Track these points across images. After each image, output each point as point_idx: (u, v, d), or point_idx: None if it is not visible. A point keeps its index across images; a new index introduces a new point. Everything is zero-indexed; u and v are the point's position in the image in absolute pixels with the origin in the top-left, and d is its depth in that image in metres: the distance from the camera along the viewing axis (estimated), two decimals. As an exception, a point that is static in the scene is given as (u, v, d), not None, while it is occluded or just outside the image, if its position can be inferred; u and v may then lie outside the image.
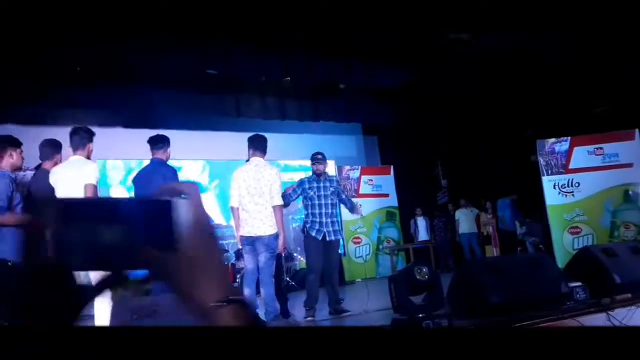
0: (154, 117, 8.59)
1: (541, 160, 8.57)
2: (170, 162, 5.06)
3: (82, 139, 4.46)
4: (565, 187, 8.45)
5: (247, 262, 4.99)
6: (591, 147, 8.53)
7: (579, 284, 4.35)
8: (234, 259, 8.50)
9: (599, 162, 8.49)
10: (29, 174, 4.76)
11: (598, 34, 7.79)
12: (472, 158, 11.12)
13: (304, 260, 6.72)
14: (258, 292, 5.14)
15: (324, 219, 5.38)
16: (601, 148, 8.50)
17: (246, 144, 5.16)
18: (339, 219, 5.77)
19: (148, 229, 0.51)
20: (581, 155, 8.49)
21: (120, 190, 9.40)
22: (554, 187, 8.49)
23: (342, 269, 9.17)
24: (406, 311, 4.41)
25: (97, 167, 4.42)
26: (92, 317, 3.74)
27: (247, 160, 5.12)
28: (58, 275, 0.45)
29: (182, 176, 7.74)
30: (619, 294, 4.33)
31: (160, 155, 4.92)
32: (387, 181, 11.41)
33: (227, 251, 8.69)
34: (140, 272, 0.51)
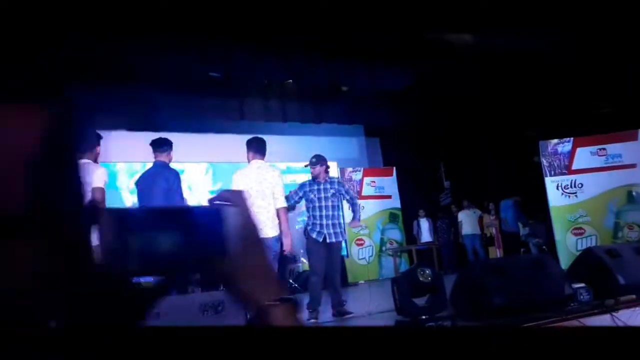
0: (156, 120, 8.61)
1: (544, 161, 8.54)
2: (173, 165, 5.08)
3: (89, 143, 4.51)
4: (568, 188, 8.43)
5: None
6: (594, 148, 8.50)
7: (582, 285, 4.34)
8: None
9: (602, 163, 8.46)
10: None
11: (600, 33, 7.78)
12: (475, 159, 11.10)
13: (307, 263, 6.73)
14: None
15: (324, 221, 5.40)
16: (604, 149, 8.47)
17: None
18: (342, 221, 5.76)
19: (205, 236, 0.53)
20: (584, 156, 8.47)
21: (124, 193, 9.42)
22: (557, 188, 8.47)
23: (344, 270, 9.17)
24: (409, 313, 4.41)
25: (105, 171, 4.47)
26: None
27: (248, 163, 5.13)
28: (122, 281, 0.47)
29: (185, 179, 7.76)
30: (623, 295, 4.32)
31: (163, 158, 4.95)
32: (389, 183, 11.40)
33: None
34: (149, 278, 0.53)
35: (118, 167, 9.62)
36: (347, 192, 5.73)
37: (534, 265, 4.35)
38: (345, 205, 6.24)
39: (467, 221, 11.03)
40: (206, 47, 8.01)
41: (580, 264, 4.73)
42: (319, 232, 5.37)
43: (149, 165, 5.11)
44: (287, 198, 5.19)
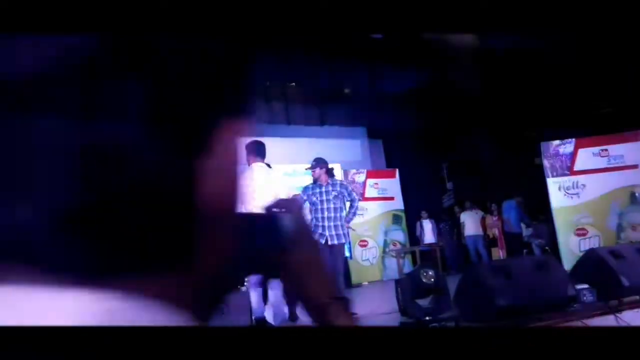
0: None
1: (546, 162, 8.55)
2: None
3: None
4: (570, 189, 8.43)
5: (255, 266, 5.01)
6: (596, 149, 8.50)
7: (585, 286, 4.35)
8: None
9: (605, 164, 8.47)
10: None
11: (602, 33, 7.78)
12: (477, 160, 11.11)
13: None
14: (265, 295, 5.16)
15: (325, 223, 5.43)
16: (606, 149, 8.48)
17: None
18: (352, 222, 5.80)
19: (274, 240, 0.58)
20: (586, 157, 8.47)
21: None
22: (559, 189, 8.47)
23: (348, 272, 9.18)
24: (413, 314, 4.42)
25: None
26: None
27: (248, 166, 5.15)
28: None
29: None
30: (627, 296, 4.31)
31: None
32: (392, 184, 11.41)
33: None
34: None
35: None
36: (349, 193, 5.74)
37: (537, 267, 4.36)
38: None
39: (469, 222, 11.03)
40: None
41: (584, 265, 4.74)
42: (320, 234, 5.39)
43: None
44: None
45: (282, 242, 0.58)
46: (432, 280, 4.38)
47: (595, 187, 8.38)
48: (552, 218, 8.63)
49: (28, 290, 0.23)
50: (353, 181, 10.90)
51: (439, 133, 11.34)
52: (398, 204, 11.41)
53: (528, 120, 10.09)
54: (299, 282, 0.60)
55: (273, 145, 5.24)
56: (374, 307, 5.46)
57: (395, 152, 12.17)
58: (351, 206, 5.82)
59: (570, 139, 8.52)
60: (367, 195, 10.98)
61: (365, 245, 10.86)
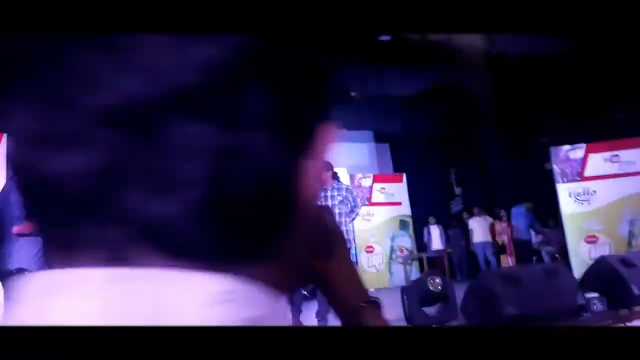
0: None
1: (555, 167, 8.45)
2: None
3: None
4: (580, 195, 8.32)
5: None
6: (607, 154, 8.39)
7: (595, 295, 4.27)
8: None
9: (616, 170, 8.35)
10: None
11: (614, 37, 7.70)
12: (486, 165, 11.04)
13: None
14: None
15: None
16: (617, 155, 8.37)
17: None
18: (350, 228, 5.72)
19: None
20: (597, 163, 8.36)
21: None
22: (570, 195, 8.36)
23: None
24: (419, 322, 4.36)
25: None
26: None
27: None
28: None
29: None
30: (638, 305, 4.24)
31: None
32: (399, 189, 11.34)
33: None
34: None
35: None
36: (353, 199, 5.67)
37: (546, 274, 4.30)
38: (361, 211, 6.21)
39: (478, 228, 10.93)
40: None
41: (594, 273, 4.66)
42: None
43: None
44: None
45: (316, 247, 0.58)
46: (439, 287, 4.31)
47: (606, 193, 8.27)
48: (562, 225, 8.53)
49: (164, 272, 0.26)
50: (359, 185, 10.84)
51: (447, 137, 11.28)
52: (405, 209, 11.33)
53: (538, 125, 10.00)
54: (333, 287, 0.61)
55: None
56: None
57: (403, 156, 12.12)
58: (352, 211, 5.76)
59: (580, 144, 8.41)
60: (373, 200, 10.91)
61: (371, 252, 10.78)
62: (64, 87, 0.26)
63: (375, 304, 0.60)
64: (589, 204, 8.31)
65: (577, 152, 8.43)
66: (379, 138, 12.47)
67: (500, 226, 10.93)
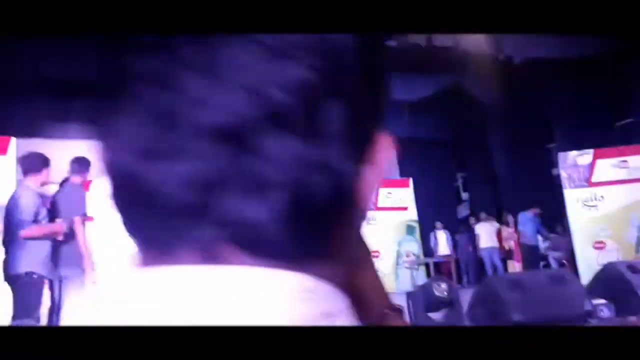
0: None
1: (563, 173, 8.41)
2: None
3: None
4: (588, 201, 8.27)
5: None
6: (615, 160, 8.33)
7: (603, 301, 4.25)
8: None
9: (624, 175, 8.30)
10: (53, 187, 4.90)
11: (622, 42, 7.66)
12: (494, 171, 11.00)
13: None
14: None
15: None
16: (626, 160, 8.31)
17: None
18: None
19: None
20: (605, 168, 8.31)
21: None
22: (577, 201, 8.31)
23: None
24: (425, 328, 4.36)
25: None
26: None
27: None
28: None
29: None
30: (646, 312, 4.20)
31: None
32: (406, 194, 11.31)
33: None
34: None
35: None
36: None
37: (553, 281, 4.28)
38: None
39: (484, 234, 10.88)
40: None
41: (601, 279, 4.63)
42: None
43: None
44: None
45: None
46: (445, 293, 4.31)
47: (614, 199, 8.21)
48: (569, 230, 8.48)
49: (251, 270, 0.29)
50: (366, 191, 10.82)
51: (454, 142, 11.25)
52: (412, 214, 11.31)
53: (545, 130, 9.96)
54: (358, 292, 0.59)
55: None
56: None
57: (409, 160, 12.09)
58: None
59: (588, 150, 8.36)
60: (379, 204, 10.90)
61: (377, 256, 10.76)
62: (172, 106, 0.29)
63: (398, 311, 0.60)
64: (597, 209, 8.26)
65: (585, 157, 8.39)
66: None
67: (507, 231, 10.87)
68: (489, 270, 10.68)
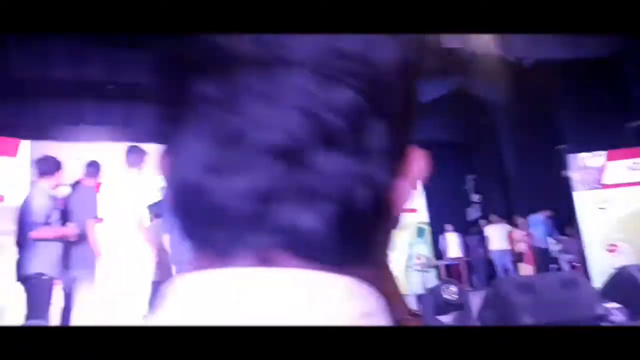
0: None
1: (574, 175, 8.34)
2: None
3: (138, 156, 4.90)
4: (600, 203, 8.19)
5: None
6: (628, 161, 8.25)
7: (615, 305, 4.20)
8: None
9: (637, 177, 8.21)
10: (64, 188, 4.96)
11: (634, 42, 7.59)
12: (504, 172, 10.93)
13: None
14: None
15: None
16: (639, 162, 8.23)
17: None
18: None
19: None
20: (617, 170, 8.23)
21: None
22: (589, 203, 8.24)
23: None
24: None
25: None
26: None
27: None
28: None
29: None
30: (659, 316, 4.16)
31: None
32: (416, 196, 11.26)
33: None
34: None
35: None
36: None
37: (564, 284, 4.24)
38: None
39: (495, 236, 10.80)
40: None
41: (614, 283, 4.58)
42: None
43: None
44: None
45: None
46: (455, 296, 4.29)
47: (627, 201, 8.13)
48: (581, 233, 8.40)
49: (302, 272, 0.33)
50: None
51: (465, 144, 11.19)
52: (422, 216, 11.27)
53: (557, 132, 9.89)
54: (385, 296, 0.63)
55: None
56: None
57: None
58: None
59: (600, 152, 8.29)
60: (390, 207, 10.86)
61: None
62: (235, 126, 0.33)
63: (418, 316, 0.62)
64: (609, 212, 8.18)
65: (597, 159, 8.32)
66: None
67: (518, 234, 10.79)
68: (500, 272, 10.60)
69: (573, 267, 8.99)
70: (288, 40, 0.34)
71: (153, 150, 6.49)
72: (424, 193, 11.28)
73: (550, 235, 10.03)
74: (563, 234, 9.85)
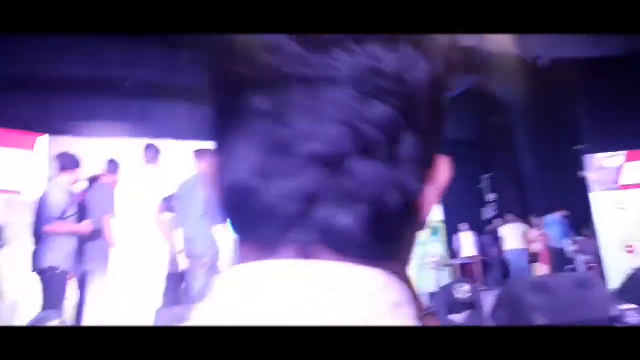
0: (202, 129, 8.76)
1: (591, 175, 8.24)
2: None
3: (155, 153, 4.97)
4: (618, 204, 8.08)
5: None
6: (648, 162, 8.14)
7: (631, 306, 4.14)
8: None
9: (656, 178, 8.09)
10: (81, 184, 5.02)
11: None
12: (520, 172, 10.82)
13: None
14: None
15: None
16: (658, 163, 8.11)
17: None
18: None
19: None
20: (635, 170, 8.11)
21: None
22: (606, 204, 8.13)
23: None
24: (446, 330, 4.31)
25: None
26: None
27: None
28: None
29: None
30: (675, 318, 4.09)
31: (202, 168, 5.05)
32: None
33: None
34: None
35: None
36: None
37: (578, 284, 4.18)
38: None
39: (511, 235, 10.70)
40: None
41: (630, 284, 4.52)
42: None
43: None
44: None
45: None
46: (466, 295, 4.26)
47: (646, 201, 8.02)
48: (597, 234, 8.29)
49: (338, 265, 0.37)
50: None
51: (480, 142, 11.09)
52: (436, 214, 11.21)
53: (574, 132, 9.75)
54: None
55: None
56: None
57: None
58: None
59: (618, 152, 8.17)
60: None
61: (401, 257, 10.69)
62: (282, 136, 0.37)
63: (432, 314, 0.63)
64: (627, 212, 8.07)
65: (614, 159, 8.20)
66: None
67: (533, 234, 10.68)
68: (515, 272, 10.51)
69: (589, 267, 8.88)
70: (331, 61, 0.37)
71: (168, 146, 6.55)
72: (439, 191, 11.21)
73: (566, 235, 9.92)
74: (579, 234, 9.73)
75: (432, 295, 4.69)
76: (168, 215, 5.20)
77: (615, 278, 7.18)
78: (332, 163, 0.37)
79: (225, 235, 4.53)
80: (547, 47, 7.96)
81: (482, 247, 11.23)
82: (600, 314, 3.99)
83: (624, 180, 8.11)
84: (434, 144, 0.42)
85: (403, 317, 0.38)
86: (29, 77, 7.37)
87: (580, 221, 9.40)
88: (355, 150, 0.37)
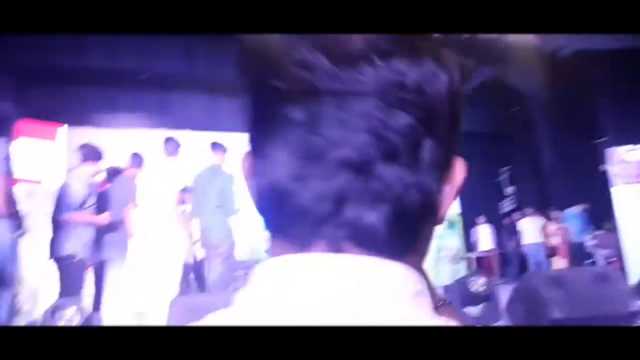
0: (214, 122, 8.81)
1: (612, 169, 8.10)
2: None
3: (175, 146, 5.04)
4: (639, 197, 7.94)
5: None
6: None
7: (651, 302, 4.07)
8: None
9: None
10: (101, 175, 5.09)
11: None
12: (540, 165, 10.68)
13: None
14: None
15: None
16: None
17: None
18: None
19: None
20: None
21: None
22: (627, 198, 8.00)
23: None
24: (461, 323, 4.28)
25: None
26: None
27: None
28: None
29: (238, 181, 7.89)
30: (696, 314, 4.01)
31: (217, 160, 5.07)
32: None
33: None
34: None
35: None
36: None
37: (597, 279, 4.12)
38: None
39: (529, 229, 10.57)
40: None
41: (650, 279, 4.44)
42: None
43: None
44: None
45: None
46: (481, 288, 4.23)
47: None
48: (619, 228, 8.16)
49: (364, 258, 0.41)
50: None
51: (499, 135, 10.97)
52: (454, 207, 11.11)
53: (595, 125, 9.59)
54: None
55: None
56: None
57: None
58: None
59: (638, 145, 8.02)
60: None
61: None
62: (314, 143, 0.41)
63: (448, 304, 0.66)
64: (649, 206, 7.93)
65: (637, 153, 8.06)
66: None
67: (552, 227, 10.54)
68: (533, 266, 10.40)
69: (609, 262, 8.75)
70: (359, 76, 0.41)
71: (186, 138, 6.60)
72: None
73: (586, 229, 9.77)
74: (599, 228, 9.58)
75: (447, 288, 4.66)
76: (186, 207, 5.25)
77: (636, 273, 7.07)
78: (359, 167, 0.40)
79: (241, 227, 4.56)
80: (569, 38, 7.82)
81: (499, 241, 11.13)
82: (620, 309, 3.93)
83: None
84: (452, 149, 0.46)
85: (421, 306, 0.41)
86: (51, 69, 7.47)
87: (601, 215, 9.25)
88: (380, 156, 0.40)
